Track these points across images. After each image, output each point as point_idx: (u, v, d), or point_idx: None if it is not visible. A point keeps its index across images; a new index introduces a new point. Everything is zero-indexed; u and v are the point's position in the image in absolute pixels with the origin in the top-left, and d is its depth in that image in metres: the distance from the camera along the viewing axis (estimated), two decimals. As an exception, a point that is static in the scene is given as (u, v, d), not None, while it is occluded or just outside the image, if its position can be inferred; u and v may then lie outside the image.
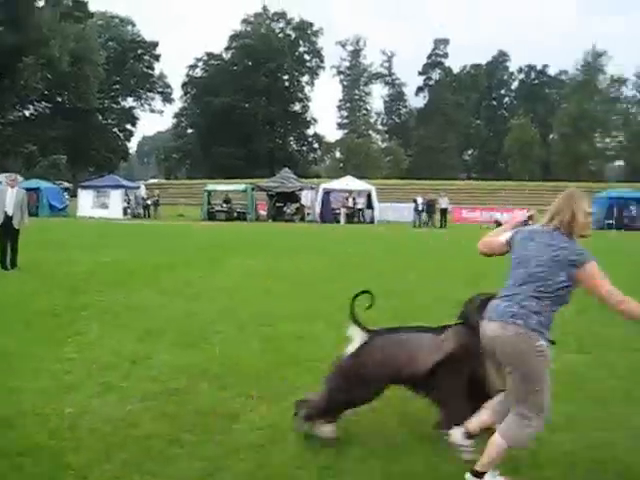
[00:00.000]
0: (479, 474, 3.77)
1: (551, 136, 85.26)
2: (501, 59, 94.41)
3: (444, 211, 36.86)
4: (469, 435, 4.10)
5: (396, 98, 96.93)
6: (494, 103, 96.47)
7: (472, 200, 50.15)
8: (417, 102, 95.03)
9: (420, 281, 12.45)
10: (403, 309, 8.95)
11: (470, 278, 12.10)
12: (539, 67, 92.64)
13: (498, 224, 4.74)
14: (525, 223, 4.19)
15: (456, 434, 4.15)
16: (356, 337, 4.41)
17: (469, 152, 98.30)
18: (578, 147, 75.78)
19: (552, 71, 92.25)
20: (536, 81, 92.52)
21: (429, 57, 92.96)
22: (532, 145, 77.45)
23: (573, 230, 3.68)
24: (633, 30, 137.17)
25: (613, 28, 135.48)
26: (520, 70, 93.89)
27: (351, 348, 4.41)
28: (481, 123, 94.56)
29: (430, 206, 36.69)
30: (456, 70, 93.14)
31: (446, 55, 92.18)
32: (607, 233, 31.28)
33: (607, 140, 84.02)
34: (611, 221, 35.38)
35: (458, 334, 4.35)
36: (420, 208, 36.59)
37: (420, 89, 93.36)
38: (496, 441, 3.72)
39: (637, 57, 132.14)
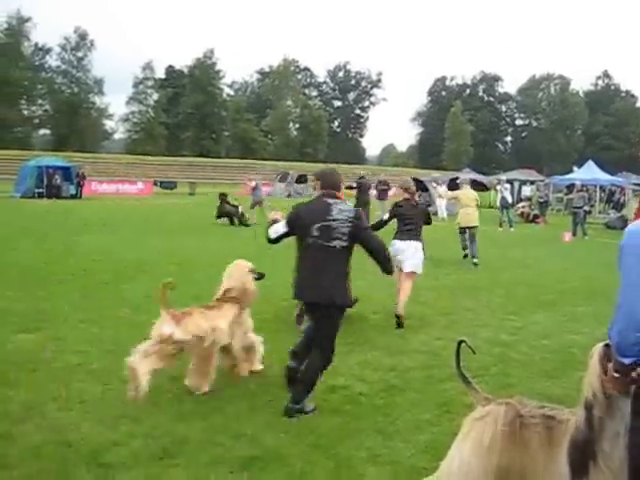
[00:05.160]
0: None
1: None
2: None
3: None
4: None
5: None
6: None
7: None
8: None
9: None
10: None
11: None
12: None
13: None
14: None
15: None
16: None
17: None
18: (4, 113, 73.06)
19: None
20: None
21: None
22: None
23: None
24: None
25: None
26: None
27: None
28: None
29: None
30: None
31: None
32: (38, 202, 31.36)
33: (33, 108, 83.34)
34: (41, 190, 35.46)
35: None
36: None
37: None
38: None
39: (63, 27, 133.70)
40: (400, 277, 8.56)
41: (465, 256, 15.03)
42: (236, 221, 22.62)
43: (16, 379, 5.61)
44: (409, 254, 8.56)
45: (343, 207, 5.31)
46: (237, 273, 5.89)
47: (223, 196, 23.22)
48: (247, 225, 22.08)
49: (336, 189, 5.45)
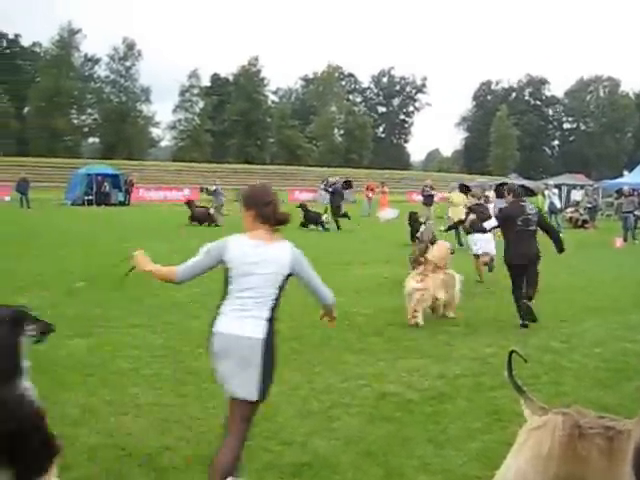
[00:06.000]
0: None
1: (26, 110, 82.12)
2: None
3: None
4: None
5: None
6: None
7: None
8: None
9: None
10: None
11: None
12: (11, 36, 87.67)
13: None
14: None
15: None
16: None
17: None
18: (55, 123, 74.99)
19: (25, 42, 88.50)
20: (8, 51, 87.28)
21: None
22: (7, 119, 73.47)
23: None
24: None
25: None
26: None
27: None
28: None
29: None
30: None
31: None
32: (87, 209, 32.07)
33: (83, 117, 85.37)
34: (91, 197, 36.22)
35: None
36: None
37: None
38: None
39: (112, 38, 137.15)
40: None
41: (460, 244, 16.93)
42: (214, 218, 23.97)
43: (72, 383, 5.75)
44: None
45: (531, 206, 8.82)
46: (440, 249, 9.42)
47: (190, 203, 25.00)
48: (217, 225, 23.35)
49: (520, 196, 8.86)
